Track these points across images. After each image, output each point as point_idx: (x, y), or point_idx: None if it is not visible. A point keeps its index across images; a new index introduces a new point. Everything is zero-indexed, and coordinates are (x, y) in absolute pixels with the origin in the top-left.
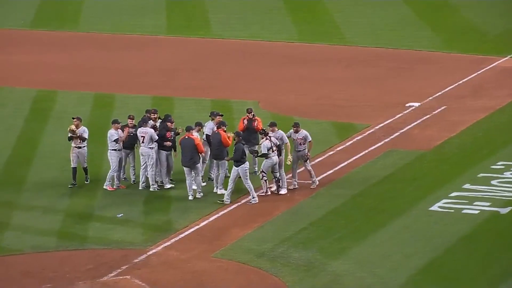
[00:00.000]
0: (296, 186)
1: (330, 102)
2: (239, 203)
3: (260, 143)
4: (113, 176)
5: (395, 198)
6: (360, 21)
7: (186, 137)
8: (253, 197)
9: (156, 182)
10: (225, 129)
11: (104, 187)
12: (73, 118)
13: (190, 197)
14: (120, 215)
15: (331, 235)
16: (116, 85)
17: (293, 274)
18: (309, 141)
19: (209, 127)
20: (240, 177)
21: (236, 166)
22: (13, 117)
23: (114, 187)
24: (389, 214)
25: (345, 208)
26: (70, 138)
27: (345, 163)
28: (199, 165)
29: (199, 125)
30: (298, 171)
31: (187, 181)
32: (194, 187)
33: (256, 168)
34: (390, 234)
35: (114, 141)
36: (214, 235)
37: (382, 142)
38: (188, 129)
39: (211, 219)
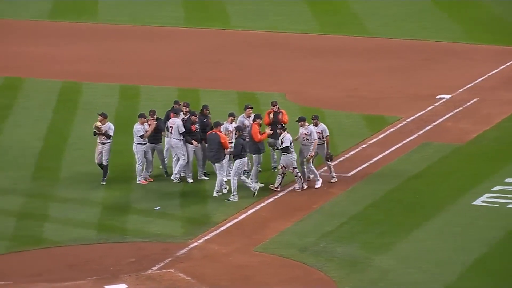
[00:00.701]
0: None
1: (358, 94)
2: (276, 196)
3: (281, 137)
4: (141, 169)
5: (434, 193)
6: (380, 12)
7: (213, 132)
8: (233, 195)
9: (181, 174)
10: (260, 122)
11: (138, 182)
12: (98, 115)
13: (215, 194)
14: (157, 208)
15: (373, 230)
16: (140, 77)
17: (338, 269)
18: (326, 136)
19: (239, 120)
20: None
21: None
22: (41, 109)
23: (143, 180)
24: (430, 209)
25: (383, 202)
26: (95, 134)
27: (379, 156)
28: (223, 162)
29: (232, 116)
30: (334, 163)
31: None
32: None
33: (274, 164)
34: (434, 229)
35: (140, 136)
36: (254, 229)
37: (416, 135)
38: (216, 125)
39: (249, 212)
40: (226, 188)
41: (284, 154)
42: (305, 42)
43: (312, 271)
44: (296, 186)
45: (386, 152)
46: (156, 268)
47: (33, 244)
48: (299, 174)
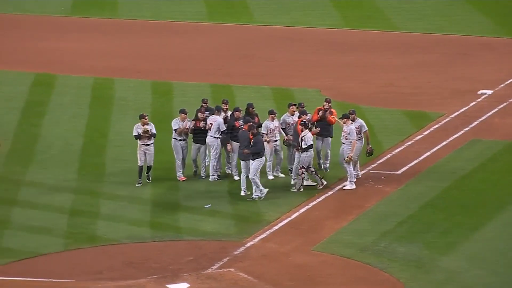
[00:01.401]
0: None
1: (396, 90)
2: (327, 195)
3: (301, 135)
4: (179, 165)
5: (493, 191)
6: (404, 6)
7: (244, 129)
8: (261, 191)
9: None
10: (304, 120)
11: (178, 178)
12: (145, 117)
13: (242, 193)
14: (207, 206)
15: (433, 229)
16: (170, 72)
17: (403, 270)
18: (365, 131)
19: (282, 118)
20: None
21: (253, 159)
22: (76, 105)
23: (182, 176)
24: (492, 208)
25: (440, 201)
26: (138, 137)
27: (427, 153)
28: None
29: (272, 113)
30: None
31: (242, 176)
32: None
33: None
34: (499, 228)
35: (174, 130)
36: (309, 228)
37: (462, 132)
38: (246, 121)
39: (301, 210)
40: (244, 192)
41: (302, 153)
42: (331, 37)
43: (376, 271)
44: (315, 183)
45: (434, 149)
46: (215, 267)
47: (88, 241)
48: (314, 171)
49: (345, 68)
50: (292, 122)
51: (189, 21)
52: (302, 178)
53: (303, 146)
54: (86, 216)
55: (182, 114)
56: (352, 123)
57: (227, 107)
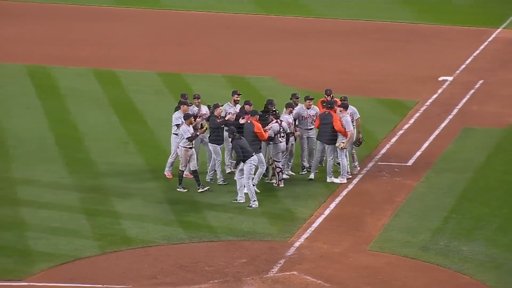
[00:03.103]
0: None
1: (353, 77)
2: (348, 189)
3: (268, 126)
4: (172, 162)
5: None
6: None
7: (249, 121)
8: (253, 201)
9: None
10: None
11: (164, 172)
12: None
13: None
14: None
15: (487, 225)
16: (107, 60)
17: (483, 272)
18: (357, 119)
19: (296, 111)
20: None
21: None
22: (23, 95)
23: (169, 172)
24: None
25: (473, 193)
26: (194, 138)
27: (427, 143)
28: (261, 154)
29: (291, 106)
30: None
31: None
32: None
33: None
34: None
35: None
36: (350, 225)
37: (447, 120)
38: (253, 113)
39: (331, 207)
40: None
41: (269, 145)
42: (260, 24)
43: (452, 273)
44: (274, 180)
45: (431, 139)
46: (275, 270)
47: (123, 243)
48: (280, 170)
49: (293, 56)
50: (306, 116)
51: (108, 6)
52: (277, 172)
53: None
54: (105, 215)
55: (184, 106)
56: (347, 114)
57: (199, 101)
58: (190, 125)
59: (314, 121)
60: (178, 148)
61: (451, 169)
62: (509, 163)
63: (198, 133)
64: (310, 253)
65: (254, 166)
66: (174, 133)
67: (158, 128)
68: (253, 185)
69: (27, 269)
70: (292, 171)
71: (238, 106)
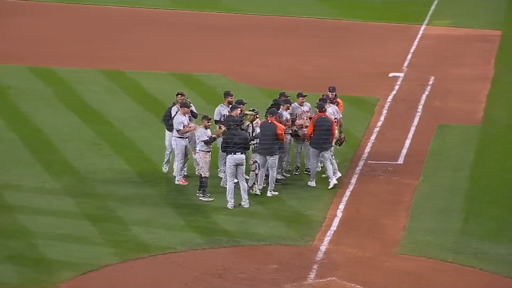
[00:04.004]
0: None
1: (304, 74)
2: (349, 189)
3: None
4: (181, 168)
5: None
6: None
7: (268, 121)
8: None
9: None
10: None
11: (176, 182)
12: (210, 119)
13: (258, 192)
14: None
15: (508, 226)
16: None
17: None
18: (340, 118)
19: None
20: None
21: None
22: None
23: (182, 180)
24: None
25: (479, 192)
26: (212, 141)
27: (408, 140)
28: (277, 157)
29: (288, 103)
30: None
31: (260, 172)
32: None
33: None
34: None
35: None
36: (369, 227)
37: (417, 117)
38: (272, 112)
39: (341, 207)
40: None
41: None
42: (192, 19)
43: (501, 279)
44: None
45: (410, 136)
46: (312, 276)
47: (141, 250)
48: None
49: (233, 52)
50: (300, 113)
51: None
52: (256, 174)
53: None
54: (111, 221)
55: (185, 108)
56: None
57: (233, 99)
58: (207, 128)
59: (309, 117)
60: (195, 153)
61: (445, 167)
62: (501, 161)
63: (215, 136)
64: (341, 258)
65: (231, 166)
66: (178, 137)
67: (125, 129)
68: (270, 191)
69: (50, 278)
70: (285, 173)
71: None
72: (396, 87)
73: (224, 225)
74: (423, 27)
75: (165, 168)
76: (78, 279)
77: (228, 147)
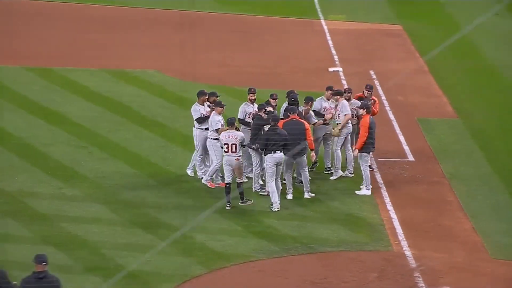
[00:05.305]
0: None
1: (243, 70)
2: (383, 188)
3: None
4: (217, 170)
5: None
6: None
7: (294, 119)
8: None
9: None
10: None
11: (204, 182)
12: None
13: (290, 196)
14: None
15: None
16: None
17: None
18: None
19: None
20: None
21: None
22: None
23: (215, 184)
24: None
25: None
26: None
27: (401, 137)
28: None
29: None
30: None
31: (287, 176)
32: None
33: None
34: None
35: (215, 130)
36: (435, 230)
37: (390, 112)
38: (292, 110)
39: (389, 208)
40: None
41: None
42: (83, 13)
43: None
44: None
45: (398, 132)
46: (422, 285)
47: (219, 258)
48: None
49: (159, 48)
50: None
51: None
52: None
53: None
54: (164, 228)
55: (203, 96)
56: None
57: (254, 97)
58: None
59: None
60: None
61: (460, 163)
62: (504, 153)
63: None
64: (435, 264)
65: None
66: (214, 138)
67: (99, 130)
68: (307, 192)
69: None
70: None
71: (256, 105)
72: (344, 82)
73: (285, 230)
74: (323, 22)
75: (191, 172)
76: None
77: (269, 146)
